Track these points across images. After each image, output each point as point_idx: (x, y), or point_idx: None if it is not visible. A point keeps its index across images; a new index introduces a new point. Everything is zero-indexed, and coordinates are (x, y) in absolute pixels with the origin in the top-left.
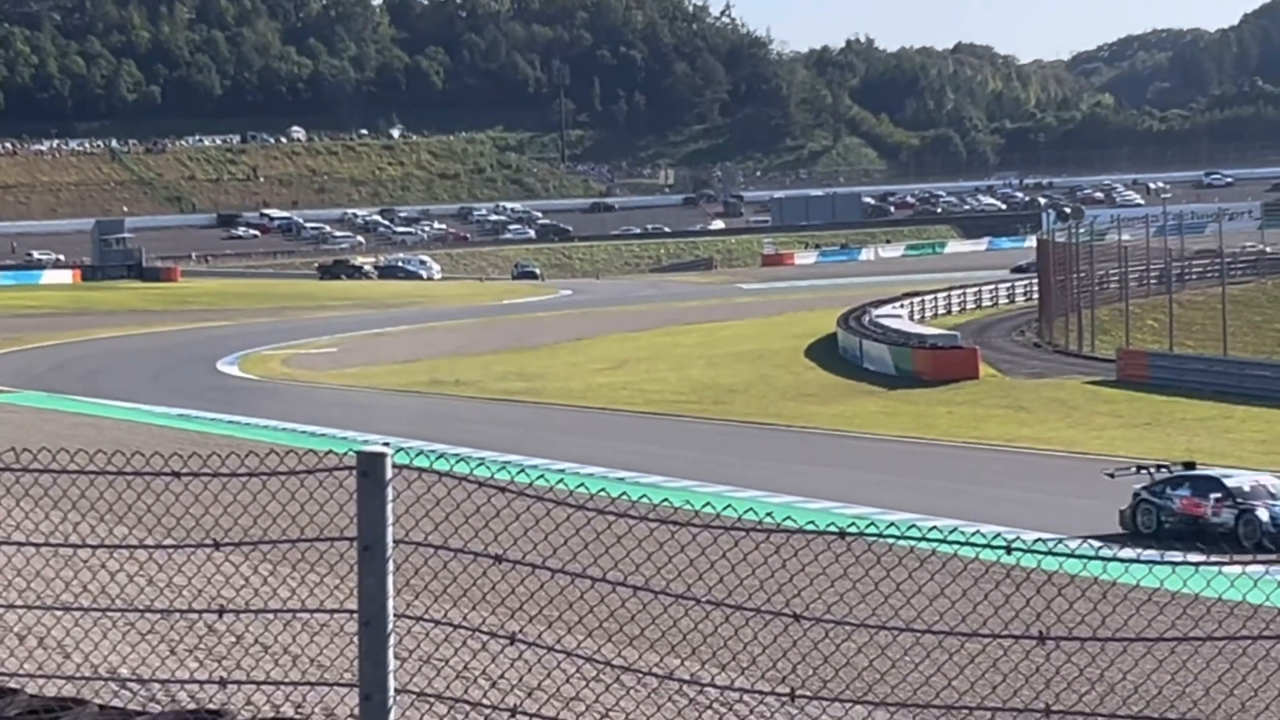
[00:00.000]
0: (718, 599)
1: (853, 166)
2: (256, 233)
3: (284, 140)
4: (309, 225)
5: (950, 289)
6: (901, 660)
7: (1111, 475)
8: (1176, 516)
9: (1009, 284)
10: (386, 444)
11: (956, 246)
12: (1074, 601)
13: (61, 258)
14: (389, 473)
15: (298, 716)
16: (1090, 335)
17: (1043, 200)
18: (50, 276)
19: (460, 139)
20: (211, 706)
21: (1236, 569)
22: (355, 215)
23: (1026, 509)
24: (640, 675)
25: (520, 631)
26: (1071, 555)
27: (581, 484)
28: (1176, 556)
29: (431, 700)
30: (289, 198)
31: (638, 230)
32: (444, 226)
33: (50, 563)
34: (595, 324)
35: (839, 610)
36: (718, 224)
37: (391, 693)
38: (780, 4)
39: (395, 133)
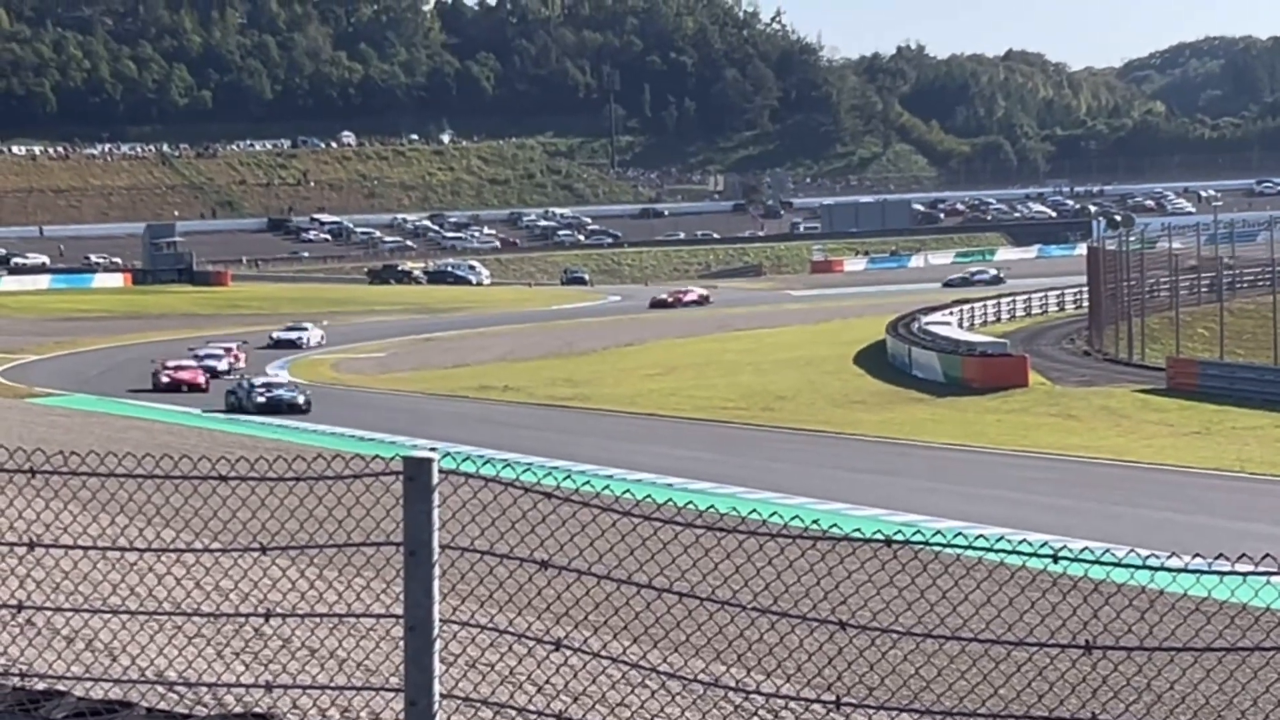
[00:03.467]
0: (764, 605)
1: (903, 173)
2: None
3: (334, 145)
4: (359, 230)
5: (1000, 296)
6: (947, 668)
7: None
8: None
9: (1059, 291)
10: (433, 449)
11: (1006, 254)
12: (1121, 610)
13: (119, 260)
14: (435, 478)
15: None
16: (1140, 343)
17: (1093, 208)
18: (101, 280)
19: (510, 144)
20: (258, 710)
21: None
22: (405, 220)
23: (1074, 517)
24: (686, 681)
25: (566, 637)
26: (1118, 564)
27: (628, 490)
28: (1224, 566)
29: (477, 705)
30: (339, 202)
31: (682, 235)
32: (493, 232)
33: (98, 566)
34: (644, 330)
35: (885, 618)
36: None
37: (437, 698)
38: (831, 10)
39: (445, 138)
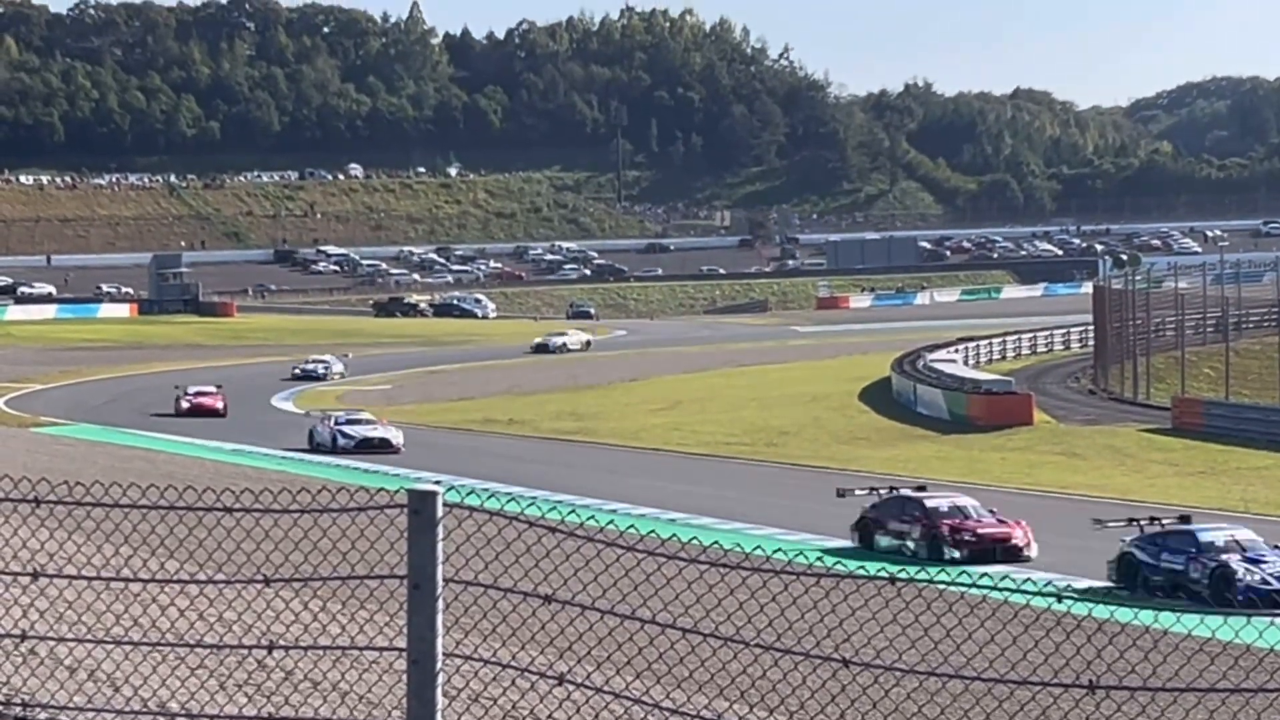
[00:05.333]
0: (767, 642)
1: (909, 210)
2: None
3: (341, 177)
4: (365, 262)
5: (1005, 334)
6: (951, 707)
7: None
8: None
9: (1064, 330)
10: (438, 482)
11: (1012, 292)
12: (1125, 650)
13: (131, 291)
14: (440, 511)
15: None
16: (1146, 383)
17: (1099, 247)
18: (107, 310)
19: (517, 178)
20: None
21: None
22: (411, 253)
23: (1079, 556)
24: (688, 718)
25: (569, 672)
26: (1122, 604)
27: (632, 525)
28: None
29: None
30: (346, 234)
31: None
32: (499, 265)
33: (102, 596)
34: (649, 365)
35: (889, 655)
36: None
37: None
38: (839, 47)
39: (452, 171)
